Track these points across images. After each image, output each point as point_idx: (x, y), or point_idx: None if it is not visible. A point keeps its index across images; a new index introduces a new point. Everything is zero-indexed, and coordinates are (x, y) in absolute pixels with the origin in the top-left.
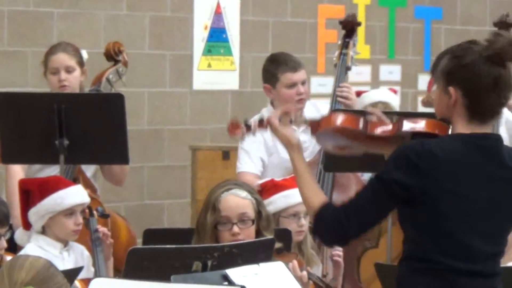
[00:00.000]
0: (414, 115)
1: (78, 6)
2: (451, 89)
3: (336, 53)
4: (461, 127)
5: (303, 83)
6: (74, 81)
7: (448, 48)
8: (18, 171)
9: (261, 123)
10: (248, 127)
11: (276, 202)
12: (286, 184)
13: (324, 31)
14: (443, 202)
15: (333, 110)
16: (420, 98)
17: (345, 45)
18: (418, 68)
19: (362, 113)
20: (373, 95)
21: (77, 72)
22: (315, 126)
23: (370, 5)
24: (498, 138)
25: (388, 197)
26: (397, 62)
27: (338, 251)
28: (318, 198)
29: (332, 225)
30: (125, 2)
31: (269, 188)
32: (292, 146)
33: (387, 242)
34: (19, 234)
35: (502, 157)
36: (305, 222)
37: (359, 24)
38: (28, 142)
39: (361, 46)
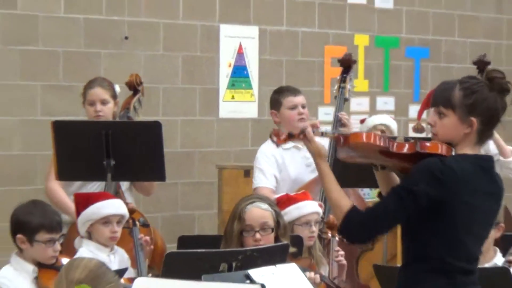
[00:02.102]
0: (422, 139)
1: (121, 47)
2: (473, 119)
3: (336, 86)
4: (468, 149)
5: (303, 106)
6: (108, 111)
7: (451, 83)
8: (58, 189)
9: (294, 135)
10: (288, 137)
11: (291, 212)
12: (298, 198)
13: (330, 68)
14: (459, 212)
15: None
16: (411, 125)
17: (343, 80)
18: (409, 100)
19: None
20: (375, 119)
21: (111, 104)
22: (345, 140)
23: (369, 46)
24: (493, 160)
25: (412, 205)
26: (391, 94)
27: (341, 254)
28: (346, 201)
29: (360, 226)
30: (161, 44)
31: (284, 201)
32: (321, 156)
33: (384, 246)
34: (76, 240)
35: (494, 174)
36: (315, 229)
37: (354, 62)
38: (80, 162)
39: (361, 81)
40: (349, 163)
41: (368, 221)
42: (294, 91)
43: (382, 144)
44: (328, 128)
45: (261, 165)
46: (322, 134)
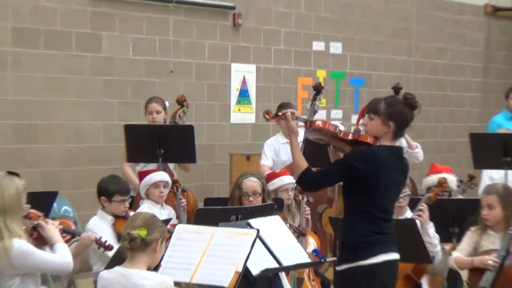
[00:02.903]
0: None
1: (168, 77)
2: (391, 123)
3: (310, 102)
4: (387, 142)
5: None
6: (160, 118)
7: (379, 99)
8: (128, 168)
9: (280, 116)
10: (275, 115)
11: (276, 183)
12: (280, 174)
13: (301, 92)
14: (378, 183)
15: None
16: (352, 128)
17: (314, 99)
18: (351, 112)
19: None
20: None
21: (162, 113)
22: (310, 124)
23: (326, 77)
24: (403, 150)
25: (346, 172)
26: (340, 108)
27: (308, 211)
28: (304, 163)
29: (311, 180)
30: (193, 75)
31: (271, 176)
32: (294, 133)
33: (335, 206)
34: (140, 201)
35: (403, 159)
36: (291, 194)
37: (323, 87)
38: (142, 151)
39: (325, 99)
40: (313, 142)
41: (317, 177)
42: (288, 106)
43: (332, 130)
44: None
45: (265, 151)
46: (297, 118)
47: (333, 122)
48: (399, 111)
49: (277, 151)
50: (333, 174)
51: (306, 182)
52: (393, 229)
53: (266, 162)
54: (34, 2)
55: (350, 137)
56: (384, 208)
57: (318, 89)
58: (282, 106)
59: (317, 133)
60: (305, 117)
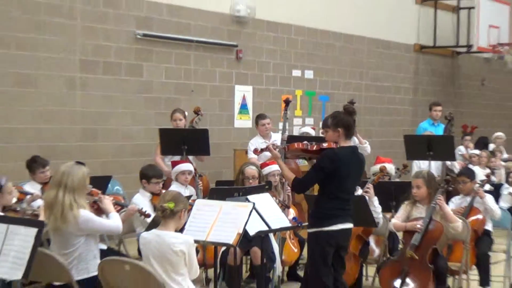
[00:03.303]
0: (322, 140)
1: (189, 95)
2: (339, 129)
3: (283, 113)
4: (343, 143)
5: (268, 123)
6: (182, 124)
7: (329, 115)
8: (159, 159)
9: (263, 149)
10: (261, 151)
11: (266, 170)
12: (269, 163)
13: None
14: (341, 174)
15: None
16: (321, 131)
17: (286, 109)
18: (319, 119)
19: (305, 139)
20: (304, 129)
21: (183, 121)
22: (288, 147)
23: (302, 95)
24: (357, 147)
25: (319, 173)
26: (312, 117)
27: (289, 190)
28: (291, 176)
29: (298, 185)
30: (208, 94)
31: (263, 165)
32: (278, 158)
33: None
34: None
35: (359, 154)
36: (277, 178)
37: (290, 101)
38: (171, 146)
39: (298, 110)
40: (294, 158)
41: (302, 183)
42: (263, 116)
43: (304, 147)
44: (279, 143)
45: (250, 148)
46: (277, 147)
47: (304, 128)
48: (341, 118)
49: (258, 147)
50: (311, 177)
51: (297, 188)
52: (350, 205)
53: (252, 155)
54: (95, 41)
55: (316, 147)
56: (346, 190)
57: (287, 102)
58: (259, 116)
59: (294, 152)
60: (282, 145)
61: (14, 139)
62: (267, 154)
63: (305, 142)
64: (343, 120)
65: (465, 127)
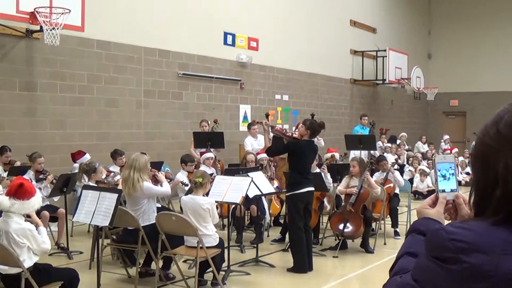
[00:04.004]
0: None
1: (212, 111)
2: (308, 130)
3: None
4: (306, 137)
5: (255, 128)
6: (207, 129)
7: (308, 119)
8: (193, 151)
9: (257, 122)
10: (260, 123)
11: (259, 157)
12: (260, 153)
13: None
14: (301, 156)
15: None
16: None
17: (266, 119)
18: (292, 125)
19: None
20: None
21: (208, 126)
22: (272, 128)
23: (281, 111)
24: (313, 141)
25: (287, 149)
26: (288, 124)
27: (274, 169)
28: (268, 144)
29: (271, 151)
30: (223, 110)
31: (257, 153)
32: (267, 132)
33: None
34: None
35: (314, 145)
36: (266, 162)
37: (268, 114)
38: (201, 142)
39: (279, 120)
40: (274, 136)
41: (271, 150)
42: (253, 123)
43: (283, 131)
44: (262, 143)
45: (246, 143)
46: (268, 126)
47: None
48: (313, 125)
49: (251, 143)
50: (279, 148)
51: (269, 153)
52: (311, 176)
53: (247, 148)
54: (153, 78)
55: (289, 134)
56: (306, 167)
57: (266, 115)
58: (250, 124)
59: (275, 132)
60: (270, 125)
61: (105, 139)
62: (261, 146)
63: (285, 129)
64: (313, 126)
65: (382, 129)
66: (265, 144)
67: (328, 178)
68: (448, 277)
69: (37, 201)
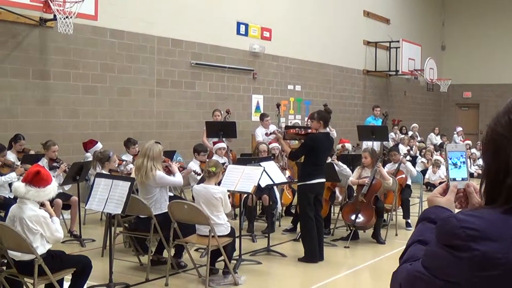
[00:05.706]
0: (308, 128)
1: (225, 101)
2: (320, 121)
3: (276, 112)
4: (321, 130)
5: (268, 120)
6: (219, 119)
7: (314, 112)
8: (206, 140)
9: (271, 133)
10: (272, 133)
11: (270, 146)
12: (272, 142)
13: (282, 107)
14: (318, 149)
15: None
16: (307, 121)
17: (277, 109)
18: (304, 116)
19: (296, 127)
20: (294, 121)
21: (220, 116)
22: (286, 133)
23: (294, 101)
24: (329, 133)
25: (305, 149)
26: (300, 114)
27: (286, 159)
28: (289, 149)
29: (293, 155)
30: (236, 99)
31: (269, 143)
32: (281, 139)
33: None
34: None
35: (330, 137)
36: (277, 151)
37: (280, 104)
38: (213, 132)
39: (291, 110)
40: (290, 139)
41: (295, 155)
42: (266, 115)
43: (296, 132)
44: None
45: (257, 134)
46: (281, 132)
47: (294, 120)
48: (322, 115)
49: (262, 133)
50: (300, 152)
51: (291, 157)
52: (324, 168)
53: (259, 139)
54: (166, 67)
55: (304, 132)
56: (321, 159)
57: (278, 105)
58: (263, 115)
59: (290, 135)
60: (282, 131)
61: (118, 128)
62: (271, 136)
63: (297, 129)
64: (323, 116)
65: (394, 121)
66: (285, 150)
67: (343, 166)
68: (459, 265)
69: (52, 189)
